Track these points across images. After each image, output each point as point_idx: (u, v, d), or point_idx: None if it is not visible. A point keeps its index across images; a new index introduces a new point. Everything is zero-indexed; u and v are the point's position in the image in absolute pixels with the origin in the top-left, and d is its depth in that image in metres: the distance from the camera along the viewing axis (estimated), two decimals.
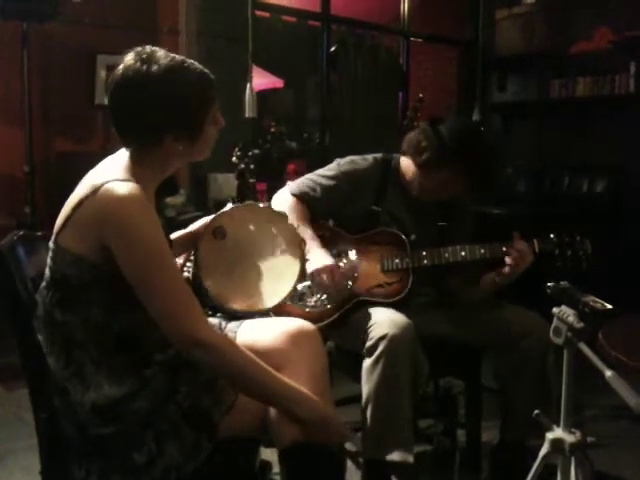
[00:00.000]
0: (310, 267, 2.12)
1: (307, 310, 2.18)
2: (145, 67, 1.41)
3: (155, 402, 1.45)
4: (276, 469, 2.13)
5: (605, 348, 1.67)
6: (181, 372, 1.52)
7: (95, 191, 1.37)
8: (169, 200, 3.54)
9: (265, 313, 1.79)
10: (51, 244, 1.44)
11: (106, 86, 1.48)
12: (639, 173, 4.45)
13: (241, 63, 3.38)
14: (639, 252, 4.18)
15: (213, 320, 1.77)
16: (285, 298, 1.80)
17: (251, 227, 1.79)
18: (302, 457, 1.52)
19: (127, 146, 1.49)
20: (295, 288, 1.80)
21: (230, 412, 1.52)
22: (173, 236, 1.77)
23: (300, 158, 4.86)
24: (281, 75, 5.44)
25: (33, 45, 3.42)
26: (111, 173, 1.42)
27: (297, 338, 1.63)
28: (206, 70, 1.51)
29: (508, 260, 2.11)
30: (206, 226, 1.77)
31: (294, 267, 1.79)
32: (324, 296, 2.19)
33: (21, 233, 1.49)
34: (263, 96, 4.90)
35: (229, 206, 1.81)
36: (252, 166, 3.19)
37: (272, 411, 1.55)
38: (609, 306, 1.42)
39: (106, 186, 1.37)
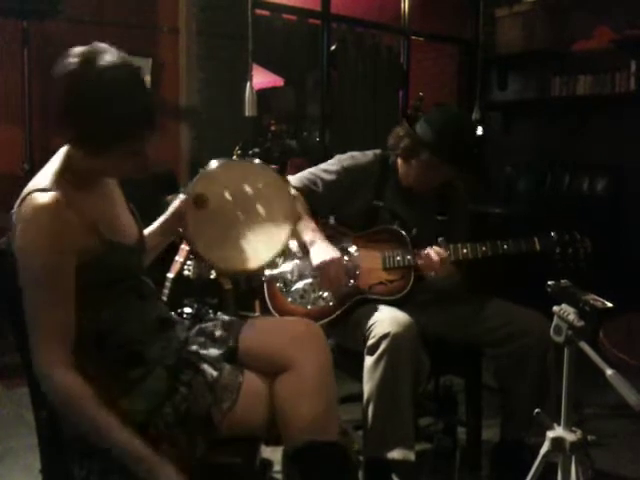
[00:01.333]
0: (316, 260, 2.14)
1: (308, 307, 2.18)
2: (79, 65, 1.36)
3: (152, 403, 1.45)
4: (277, 467, 2.15)
5: (606, 346, 1.67)
6: (180, 373, 1.52)
7: (22, 201, 1.39)
8: (169, 198, 3.52)
9: (270, 265, 1.73)
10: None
11: None
12: None
13: (241, 62, 3.37)
14: (639, 251, 4.18)
15: (220, 317, 1.76)
16: (283, 244, 1.70)
17: (233, 185, 1.72)
18: (315, 457, 1.53)
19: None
20: (292, 229, 1.71)
21: (232, 411, 1.52)
22: (153, 226, 1.76)
23: (300, 156, 4.87)
24: (281, 74, 5.44)
25: (33, 43, 3.42)
26: (39, 179, 1.42)
27: (301, 338, 1.64)
28: (144, 104, 1.41)
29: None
30: (186, 199, 1.73)
31: (283, 208, 1.71)
32: (325, 293, 2.20)
33: (8, 239, 1.48)
34: (263, 95, 4.91)
35: (204, 170, 1.74)
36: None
37: (279, 412, 1.56)
38: (609, 304, 1.42)
39: (28, 197, 1.37)
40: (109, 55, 1.38)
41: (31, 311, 1.37)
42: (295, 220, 1.70)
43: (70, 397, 1.36)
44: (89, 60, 1.36)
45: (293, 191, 2.29)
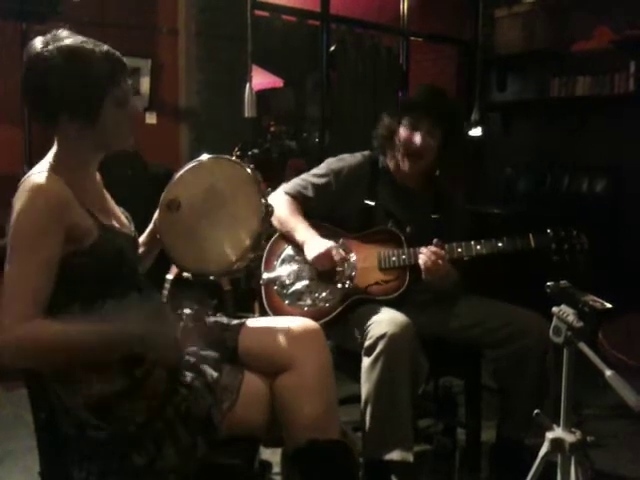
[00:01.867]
0: (310, 255, 2.18)
1: (305, 309, 2.19)
2: (40, 48, 1.44)
3: (152, 403, 1.45)
4: (276, 469, 2.15)
5: (605, 347, 1.67)
6: (180, 374, 1.52)
7: (19, 187, 1.43)
8: None
9: (238, 265, 1.68)
10: None
11: None
12: (639, 172, 4.44)
13: (240, 63, 3.37)
14: (639, 251, 4.18)
15: (216, 318, 1.77)
16: (252, 241, 1.66)
17: (203, 186, 1.70)
18: (317, 455, 1.54)
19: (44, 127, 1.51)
20: (261, 227, 1.67)
21: (232, 411, 1.52)
22: (144, 234, 1.77)
23: (299, 157, 4.86)
24: (281, 74, 5.43)
25: None
26: (36, 168, 1.47)
27: (301, 337, 1.65)
28: (112, 52, 1.50)
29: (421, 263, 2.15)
30: (159, 205, 1.73)
31: (253, 206, 1.68)
32: (323, 294, 2.20)
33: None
34: (263, 96, 4.90)
35: (177, 173, 1.74)
36: (252, 165, 3.18)
37: (280, 411, 1.57)
38: (608, 305, 1.42)
39: (26, 180, 1.42)
40: (63, 33, 1.47)
41: (6, 275, 1.36)
42: (263, 216, 1.68)
43: (35, 335, 1.32)
44: (48, 41, 1.45)
45: (283, 196, 2.33)
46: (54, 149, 1.51)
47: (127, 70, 1.53)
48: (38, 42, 1.45)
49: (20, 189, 1.42)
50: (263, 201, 1.68)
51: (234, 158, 1.76)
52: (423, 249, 2.15)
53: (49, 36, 1.46)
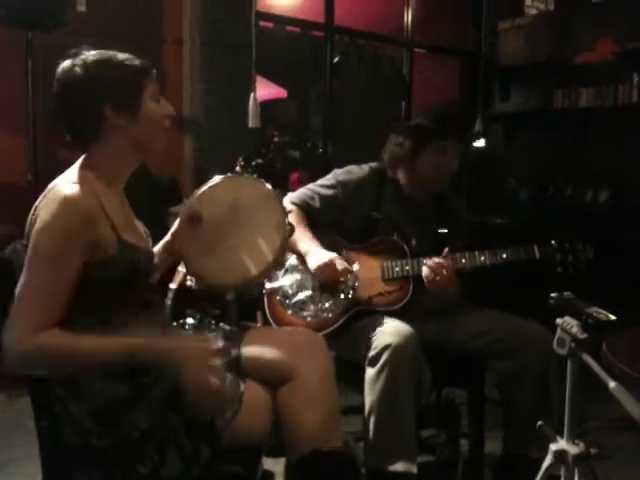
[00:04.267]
0: (313, 265, 2.18)
1: (308, 320, 2.18)
2: (71, 62, 1.49)
3: (155, 411, 1.45)
4: (278, 479, 2.14)
5: (609, 359, 1.65)
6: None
7: (45, 195, 1.44)
8: (173, 210, 3.54)
9: (259, 280, 1.73)
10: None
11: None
12: None
13: (245, 73, 3.39)
14: None
15: (222, 327, 1.77)
16: (272, 260, 1.69)
17: (224, 201, 1.73)
18: (320, 465, 1.54)
19: (81, 141, 1.54)
20: (283, 244, 1.71)
21: (235, 420, 1.52)
22: (157, 247, 1.79)
23: (303, 167, 4.88)
24: (284, 85, 5.46)
25: (37, 54, 3.43)
26: (65, 176, 1.48)
27: (302, 347, 1.65)
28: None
29: (424, 276, 2.15)
30: (180, 217, 1.75)
31: (275, 222, 1.71)
32: (326, 304, 2.20)
33: (25, 242, 1.49)
34: (266, 106, 4.92)
35: (199, 189, 1.77)
36: (255, 175, 3.19)
37: (282, 421, 1.56)
38: (613, 317, 1.42)
39: (54, 188, 1.44)
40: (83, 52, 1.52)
41: (21, 284, 1.37)
42: (287, 234, 1.71)
43: (45, 345, 1.34)
44: (75, 56, 1.51)
45: (289, 205, 2.32)
46: (86, 158, 1.52)
47: (153, 72, 1.58)
48: (65, 64, 1.49)
49: (49, 197, 1.42)
50: (286, 219, 1.70)
51: (255, 176, 1.79)
52: (428, 260, 2.15)
53: (73, 56, 1.51)
